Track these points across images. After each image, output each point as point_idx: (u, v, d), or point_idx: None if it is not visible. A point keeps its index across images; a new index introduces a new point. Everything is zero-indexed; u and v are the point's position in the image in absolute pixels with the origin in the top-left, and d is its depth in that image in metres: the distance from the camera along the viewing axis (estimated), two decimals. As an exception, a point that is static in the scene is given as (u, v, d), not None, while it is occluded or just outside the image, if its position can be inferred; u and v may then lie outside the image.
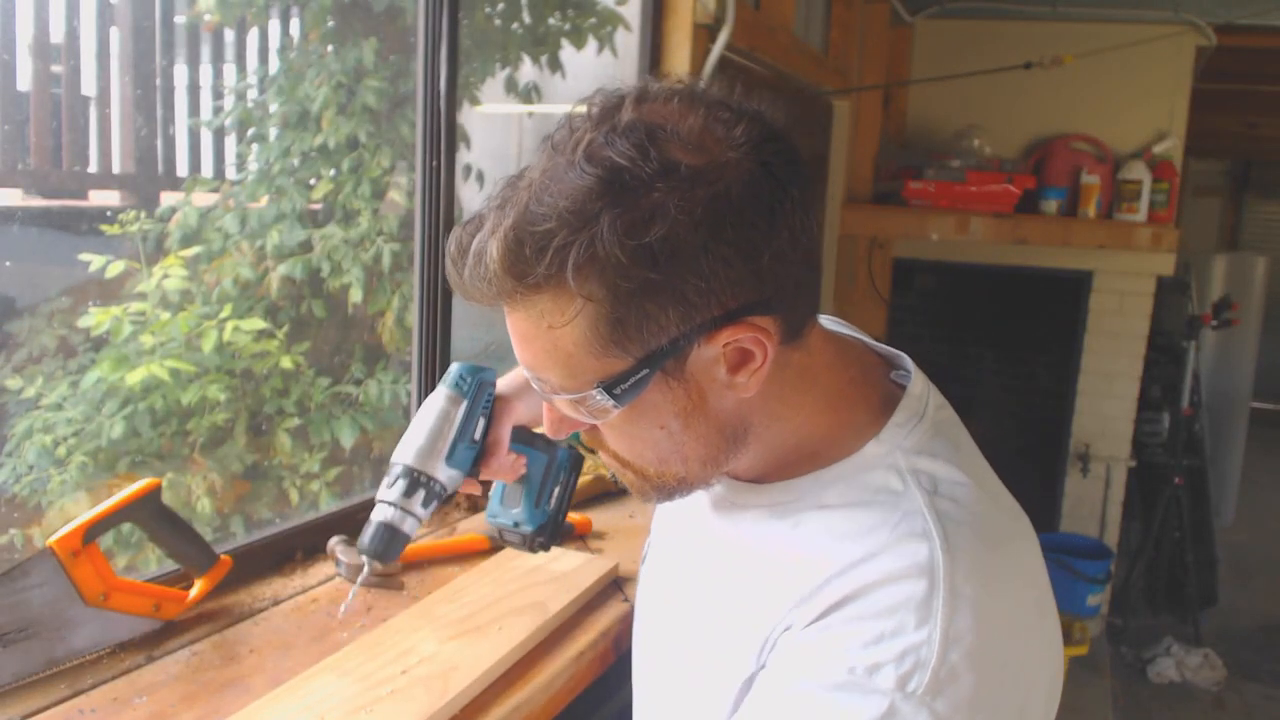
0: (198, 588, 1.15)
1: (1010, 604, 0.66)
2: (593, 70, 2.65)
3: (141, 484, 1.10)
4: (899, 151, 3.85)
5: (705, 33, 2.16)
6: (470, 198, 2.70)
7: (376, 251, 2.27)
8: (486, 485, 1.07)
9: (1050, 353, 4.09)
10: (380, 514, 0.95)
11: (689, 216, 0.60)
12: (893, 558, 0.64)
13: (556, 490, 1.08)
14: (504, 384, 1.03)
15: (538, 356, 0.66)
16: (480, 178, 2.71)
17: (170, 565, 1.19)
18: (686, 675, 0.79)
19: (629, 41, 2.45)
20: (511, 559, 1.37)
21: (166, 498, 1.13)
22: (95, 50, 2.10)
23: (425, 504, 0.96)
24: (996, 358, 4.25)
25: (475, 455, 0.99)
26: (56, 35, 2.04)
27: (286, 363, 2.21)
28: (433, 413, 0.97)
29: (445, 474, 0.97)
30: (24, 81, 1.96)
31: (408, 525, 0.95)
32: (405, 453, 0.96)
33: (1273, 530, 5.65)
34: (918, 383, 0.75)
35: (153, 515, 1.11)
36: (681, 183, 0.60)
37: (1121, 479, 3.98)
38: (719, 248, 0.61)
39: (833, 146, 3.50)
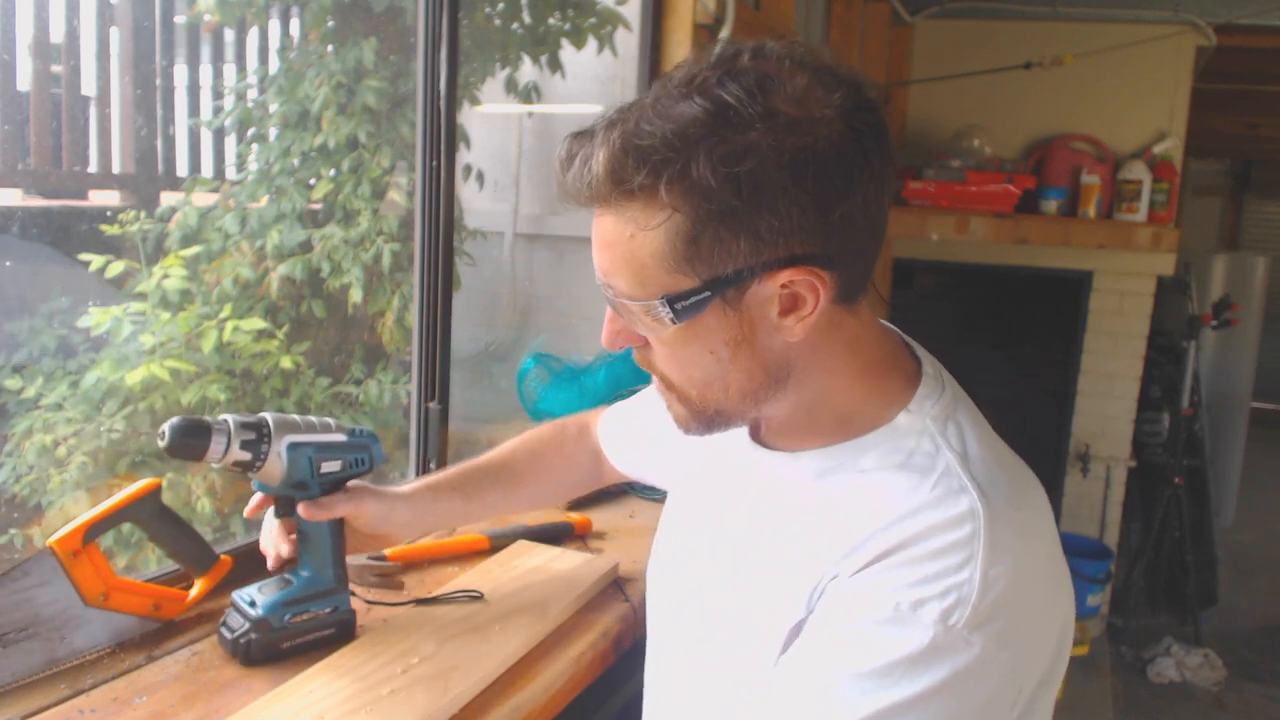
0: (198, 588, 1.15)
1: (1037, 556, 0.72)
2: (593, 70, 2.65)
3: (141, 484, 1.10)
4: (899, 151, 3.84)
5: (705, 33, 2.16)
6: (470, 198, 2.71)
7: (376, 251, 2.27)
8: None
9: (1050, 353, 4.09)
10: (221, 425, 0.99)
11: (777, 158, 0.65)
12: (936, 511, 0.70)
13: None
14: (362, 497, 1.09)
15: (615, 262, 0.72)
16: (480, 178, 2.71)
17: (170, 565, 1.18)
18: (729, 630, 0.82)
19: (629, 41, 2.45)
20: (511, 559, 1.37)
21: (166, 498, 1.13)
22: (95, 50, 2.10)
23: (241, 447, 1.00)
24: (996, 358, 4.25)
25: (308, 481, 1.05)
26: (56, 35, 2.04)
27: (286, 363, 2.21)
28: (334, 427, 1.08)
29: (280, 458, 1.02)
30: (24, 81, 1.96)
31: (215, 442, 0.98)
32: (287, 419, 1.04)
33: (1273, 530, 5.65)
34: (929, 361, 0.82)
35: (153, 515, 1.11)
36: (778, 128, 0.66)
37: (1121, 479, 3.98)
38: (798, 194, 0.66)
39: (833, 146, 3.49)
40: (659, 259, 0.69)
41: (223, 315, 2.13)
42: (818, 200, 0.67)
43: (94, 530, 1.04)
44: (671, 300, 0.70)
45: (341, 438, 1.09)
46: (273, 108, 2.40)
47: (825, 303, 0.71)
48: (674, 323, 0.71)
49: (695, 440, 0.89)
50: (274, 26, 2.52)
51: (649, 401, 1.14)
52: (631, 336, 0.78)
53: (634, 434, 1.20)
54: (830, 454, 0.78)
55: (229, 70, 2.48)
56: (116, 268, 2.00)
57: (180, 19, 2.33)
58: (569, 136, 0.72)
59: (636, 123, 0.67)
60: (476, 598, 1.22)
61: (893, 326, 0.86)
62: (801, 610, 0.74)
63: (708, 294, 0.69)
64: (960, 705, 0.67)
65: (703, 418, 0.79)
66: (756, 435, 0.86)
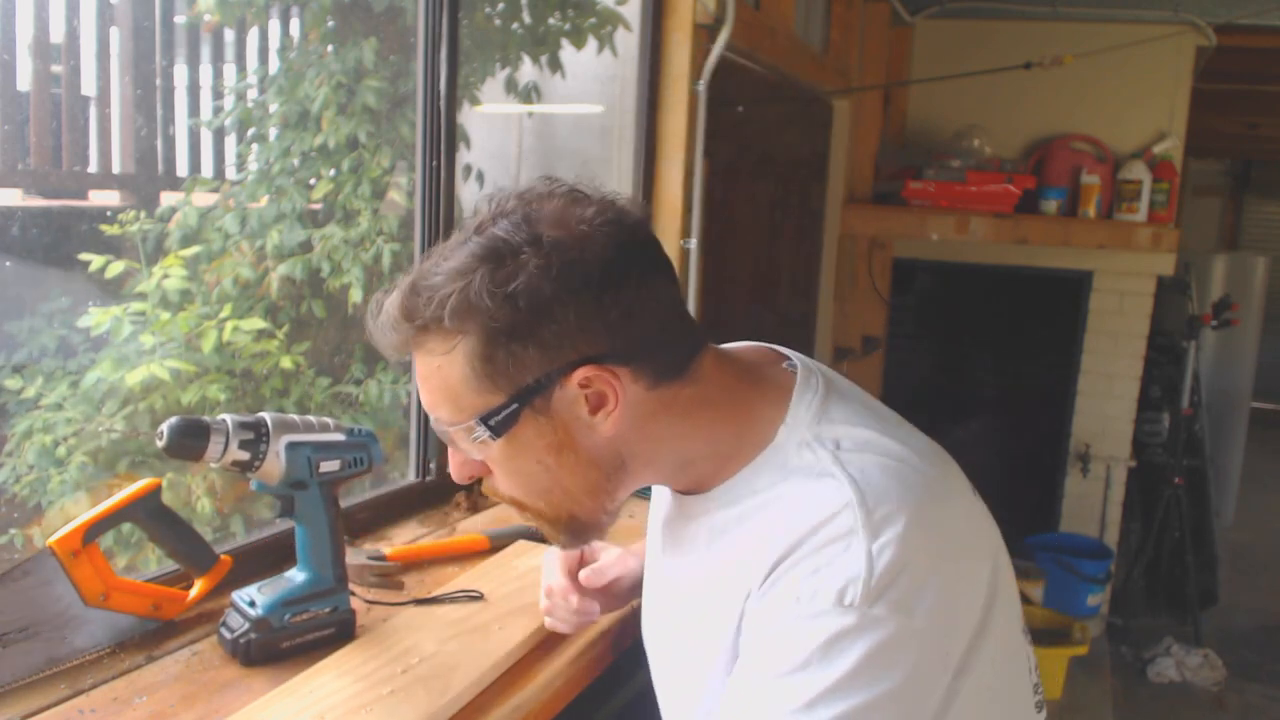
0: (198, 588, 1.15)
1: (929, 517, 0.75)
2: (593, 70, 2.65)
3: (141, 484, 1.10)
4: (899, 151, 3.85)
5: (705, 33, 2.15)
6: (470, 198, 2.70)
7: (376, 251, 2.27)
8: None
9: (1050, 353, 4.08)
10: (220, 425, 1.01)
11: (546, 273, 0.73)
12: (812, 509, 0.75)
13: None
14: None
15: (433, 394, 0.79)
16: (480, 178, 2.71)
17: (170, 565, 1.18)
18: (687, 664, 0.90)
19: (629, 41, 2.45)
20: (511, 559, 1.37)
21: (166, 498, 1.13)
22: (95, 50, 2.10)
23: (240, 447, 1.01)
24: (996, 358, 4.25)
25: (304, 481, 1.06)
26: (56, 35, 2.04)
27: (286, 363, 2.21)
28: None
29: (279, 458, 1.04)
30: (24, 81, 1.96)
31: (214, 442, 0.99)
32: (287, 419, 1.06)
33: (1273, 530, 5.65)
34: (802, 366, 0.87)
35: (153, 515, 1.11)
36: (543, 248, 0.74)
37: (1121, 479, 3.97)
38: (571, 300, 0.74)
39: (833, 146, 3.50)
40: (465, 382, 0.76)
41: (223, 315, 2.13)
42: (590, 305, 0.75)
43: (94, 530, 1.05)
44: (485, 418, 0.77)
45: (340, 437, 1.09)
46: (273, 108, 2.40)
47: (634, 392, 0.78)
48: (494, 439, 0.78)
49: (651, 506, 1.00)
50: (274, 26, 2.52)
51: None
52: (475, 466, 0.84)
53: None
54: (731, 485, 0.83)
55: (229, 70, 2.47)
56: (116, 268, 2.00)
57: (180, 19, 2.33)
58: (373, 299, 0.81)
59: (425, 268, 0.77)
60: (476, 598, 1.22)
61: (752, 342, 0.92)
62: (734, 637, 0.80)
63: (515, 405, 0.76)
64: (886, 679, 0.71)
65: (562, 526, 0.85)
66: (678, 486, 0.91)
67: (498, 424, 0.77)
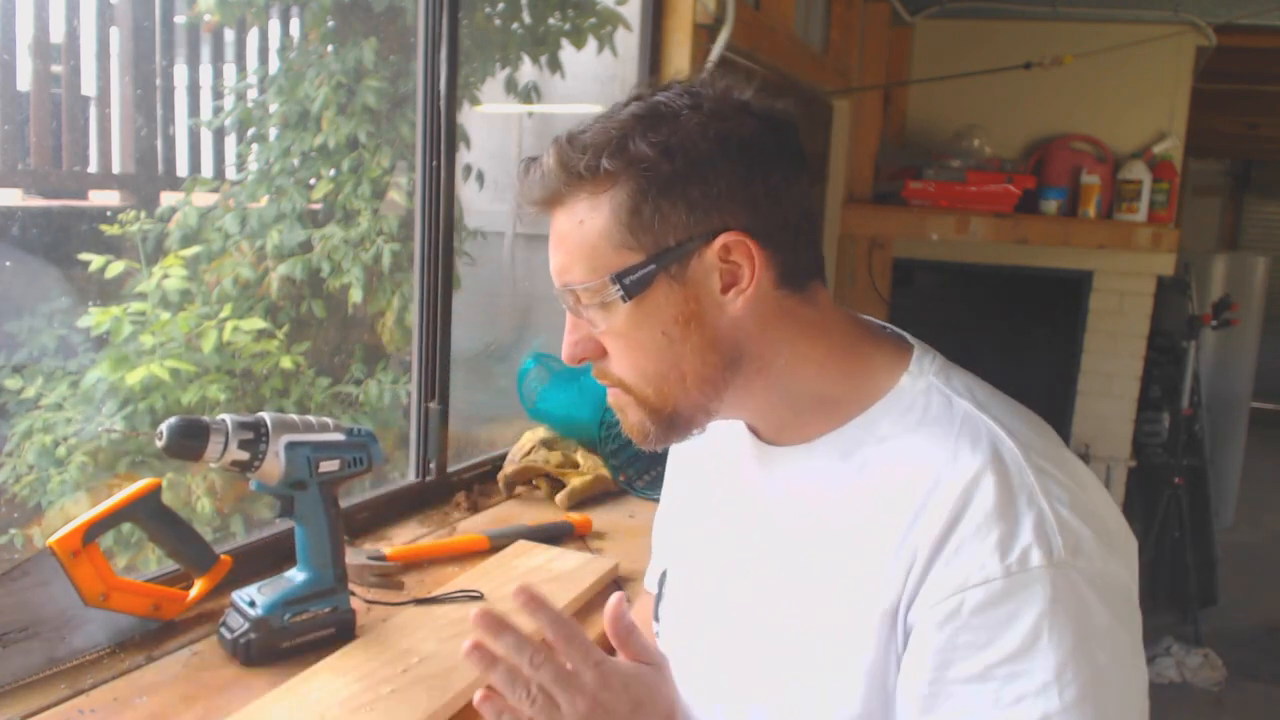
0: (198, 588, 1.15)
1: (1077, 468, 0.75)
2: (593, 70, 2.65)
3: (141, 484, 1.10)
4: (899, 151, 3.85)
5: (705, 33, 2.16)
6: (470, 198, 2.71)
7: (376, 251, 2.27)
8: None
9: (1050, 353, 4.08)
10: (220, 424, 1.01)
11: (704, 133, 0.74)
12: (971, 458, 0.72)
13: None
14: None
15: (568, 254, 0.78)
16: (480, 178, 2.71)
17: (170, 565, 1.18)
18: (794, 640, 0.78)
19: (629, 41, 2.45)
20: (512, 559, 1.37)
21: (166, 498, 1.13)
22: (95, 50, 2.10)
23: (239, 447, 1.01)
24: (996, 358, 4.24)
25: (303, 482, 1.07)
26: (56, 35, 2.04)
27: (286, 363, 2.21)
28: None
29: (278, 458, 1.04)
30: (24, 81, 1.96)
31: (214, 442, 1.00)
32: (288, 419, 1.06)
33: (1273, 530, 5.65)
34: (914, 339, 0.85)
35: (153, 515, 1.11)
36: (703, 114, 0.75)
37: (1121, 479, 3.97)
38: (725, 166, 0.74)
39: (833, 146, 3.50)
40: (607, 238, 0.76)
41: (223, 315, 2.13)
42: (741, 175, 0.75)
43: (94, 530, 1.04)
44: (620, 276, 0.76)
45: (340, 437, 1.09)
46: (273, 108, 2.40)
47: (765, 281, 0.76)
48: (625, 300, 0.76)
49: (701, 476, 0.93)
50: (274, 26, 2.52)
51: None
52: (589, 346, 0.82)
53: (655, 545, 1.10)
54: (843, 433, 0.79)
55: (229, 70, 2.48)
56: (116, 268, 2.00)
57: (180, 19, 2.34)
58: (521, 161, 0.81)
59: (579, 126, 0.78)
60: (476, 598, 1.22)
61: (872, 318, 0.88)
62: (882, 592, 0.73)
63: (653, 266, 0.75)
64: (1111, 621, 0.68)
65: (661, 418, 0.81)
66: (768, 428, 0.85)
67: (632, 283, 0.76)
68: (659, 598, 0.97)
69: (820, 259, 0.82)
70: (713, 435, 0.89)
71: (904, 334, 0.86)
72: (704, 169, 0.74)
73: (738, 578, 0.85)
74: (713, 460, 0.92)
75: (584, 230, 0.77)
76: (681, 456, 1.01)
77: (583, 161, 0.75)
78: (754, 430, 0.86)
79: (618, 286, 0.76)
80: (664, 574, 0.98)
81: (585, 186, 0.76)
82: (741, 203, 0.75)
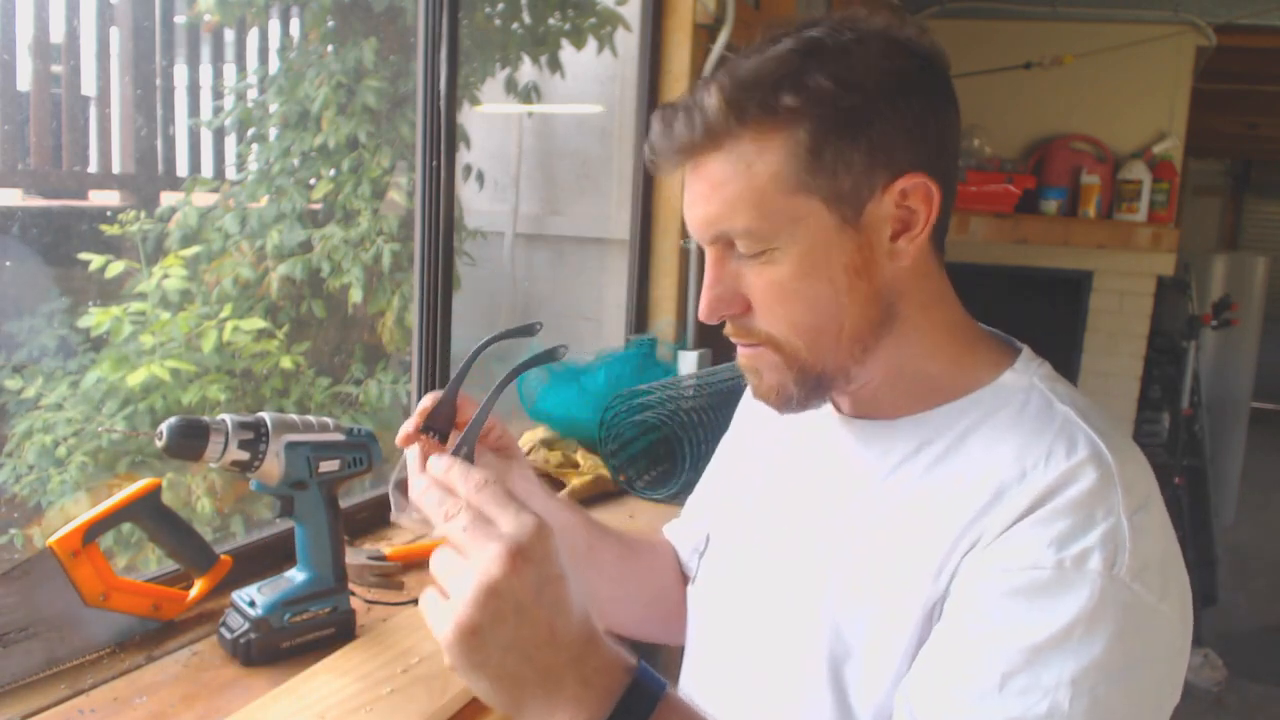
0: (198, 588, 1.15)
1: (1166, 518, 0.71)
2: (593, 70, 2.65)
3: (141, 484, 1.10)
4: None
5: (705, 33, 2.16)
6: (470, 198, 2.71)
7: (376, 251, 2.27)
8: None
9: (1050, 353, 4.06)
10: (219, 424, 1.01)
11: (879, 70, 0.69)
12: (1064, 460, 0.68)
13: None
14: None
15: (730, 201, 0.71)
16: (480, 178, 2.71)
17: (170, 565, 1.18)
18: (844, 618, 0.76)
19: (629, 41, 2.45)
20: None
21: (166, 498, 1.13)
22: (95, 50, 2.10)
23: (239, 447, 1.00)
24: (996, 358, 4.25)
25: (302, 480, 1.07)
26: (56, 35, 2.04)
27: (286, 363, 2.21)
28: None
29: (278, 458, 1.04)
30: (24, 81, 1.96)
31: (214, 442, 0.99)
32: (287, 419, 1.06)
33: (1273, 530, 5.65)
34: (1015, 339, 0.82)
35: (153, 515, 1.11)
36: (872, 49, 0.70)
37: (1121, 479, 3.97)
38: (903, 101, 0.69)
39: (833, 146, 3.49)
40: (779, 181, 0.69)
41: (223, 315, 2.13)
42: (918, 111, 0.70)
43: (94, 530, 1.04)
44: (795, 221, 0.70)
45: (340, 437, 1.09)
46: (273, 108, 2.40)
47: (935, 217, 0.72)
48: (794, 247, 0.71)
49: (770, 438, 0.89)
50: (274, 26, 2.52)
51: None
52: (733, 302, 0.75)
53: (694, 501, 1.09)
54: (931, 417, 0.76)
55: (229, 70, 2.48)
56: (116, 268, 2.00)
57: (180, 19, 2.34)
58: (658, 110, 0.74)
59: (738, 65, 0.70)
60: None
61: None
62: (928, 587, 0.70)
63: (830, 211, 0.70)
64: (1145, 653, 0.66)
65: (808, 378, 0.75)
66: (841, 413, 0.82)
67: (805, 230, 0.70)
68: (702, 554, 0.94)
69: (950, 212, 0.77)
70: None
71: (1012, 338, 0.83)
72: (883, 105, 0.69)
73: (790, 543, 0.82)
74: (781, 423, 0.85)
75: (751, 174, 0.70)
76: (751, 417, 0.98)
77: (757, 98, 0.68)
78: (834, 401, 0.82)
79: (790, 233, 0.70)
80: (707, 536, 0.95)
81: (752, 130, 0.69)
82: (919, 141, 0.70)
